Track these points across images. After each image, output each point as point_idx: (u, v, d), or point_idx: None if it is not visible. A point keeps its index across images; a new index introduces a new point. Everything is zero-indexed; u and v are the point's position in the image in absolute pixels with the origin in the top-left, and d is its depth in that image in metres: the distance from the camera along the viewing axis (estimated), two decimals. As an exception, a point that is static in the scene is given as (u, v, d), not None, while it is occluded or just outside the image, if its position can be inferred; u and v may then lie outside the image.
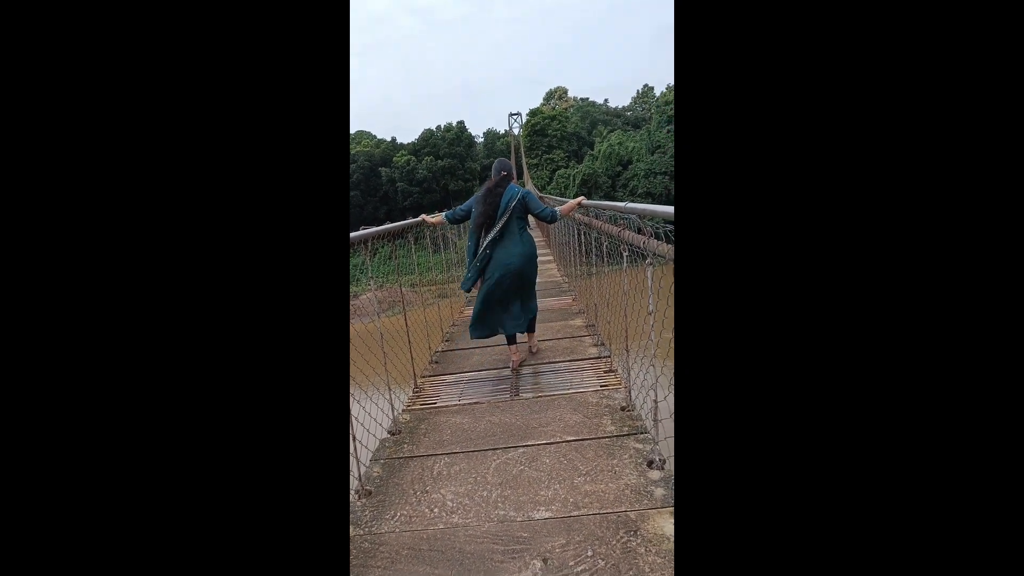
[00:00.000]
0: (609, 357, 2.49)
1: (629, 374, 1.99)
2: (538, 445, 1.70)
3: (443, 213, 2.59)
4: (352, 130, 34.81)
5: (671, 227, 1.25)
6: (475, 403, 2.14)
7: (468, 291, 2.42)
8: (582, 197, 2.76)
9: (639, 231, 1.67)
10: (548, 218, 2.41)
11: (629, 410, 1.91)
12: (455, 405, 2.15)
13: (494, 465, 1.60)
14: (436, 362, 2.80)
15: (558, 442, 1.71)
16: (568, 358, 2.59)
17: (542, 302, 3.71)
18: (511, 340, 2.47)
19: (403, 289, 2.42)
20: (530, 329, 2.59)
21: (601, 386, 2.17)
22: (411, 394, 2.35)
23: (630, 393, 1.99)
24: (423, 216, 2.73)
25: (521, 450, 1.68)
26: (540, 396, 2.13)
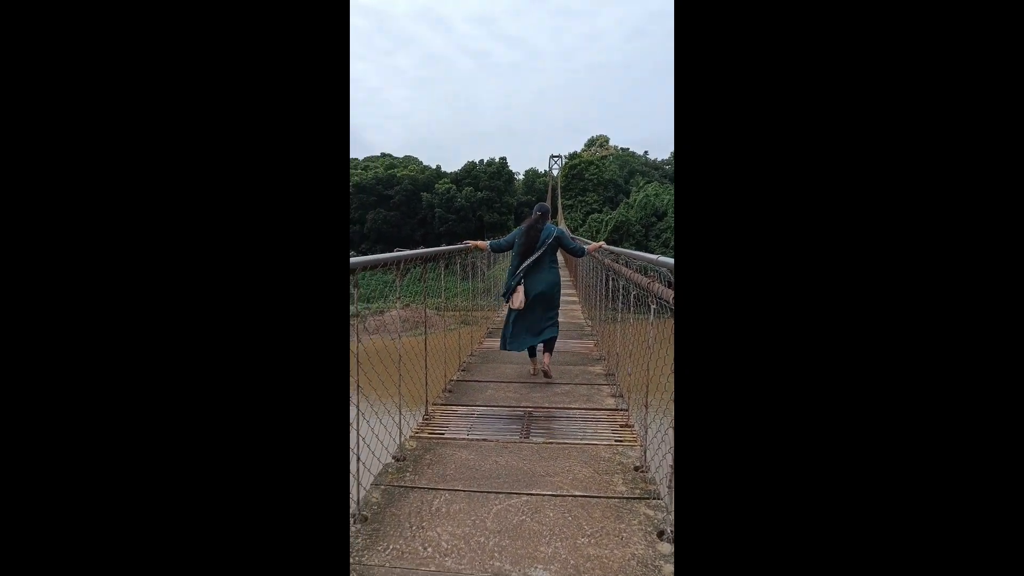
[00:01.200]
0: (627, 411, 2.40)
1: (646, 432, 1.90)
2: (543, 496, 1.62)
3: (488, 241, 3.10)
4: (400, 155, 36.59)
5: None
6: (483, 440, 2.08)
7: (507, 300, 2.86)
8: (603, 242, 3.42)
9: (669, 284, 1.64)
10: (578, 252, 2.99)
11: (643, 471, 1.81)
12: (463, 439, 2.10)
13: (495, 510, 1.53)
14: (450, 391, 2.77)
15: (564, 495, 1.62)
16: (584, 406, 2.51)
17: (564, 343, 3.73)
18: (532, 353, 2.92)
19: (427, 312, 2.44)
20: (548, 350, 2.90)
21: (616, 441, 2.08)
22: (421, 421, 2.31)
23: (645, 453, 1.89)
24: (467, 242, 3.08)
25: (525, 498, 1.60)
26: (551, 443, 2.06)
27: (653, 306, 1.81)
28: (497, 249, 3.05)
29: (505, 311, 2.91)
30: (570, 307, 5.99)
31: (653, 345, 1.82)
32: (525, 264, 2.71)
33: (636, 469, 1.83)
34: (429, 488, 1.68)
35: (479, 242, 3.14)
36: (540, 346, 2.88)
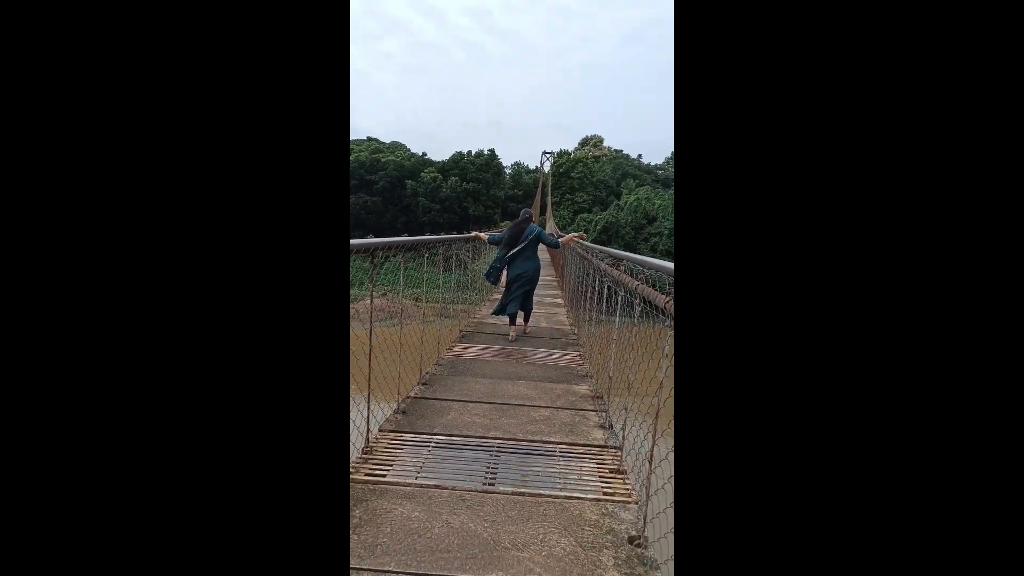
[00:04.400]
0: (619, 448, 1.96)
1: (648, 486, 1.46)
2: (507, 587, 1.16)
3: (486, 235, 4.12)
4: (388, 140, 35.63)
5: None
6: (435, 487, 1.61)
7: (494, 283, 3.92)
8: (573, 235, 4.31)
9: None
10: (554, 245, 4.16)
11: (640, 544, 1.37)
12: (409, 484, 1.62)
13: (436, 615, 1.06)
14: (403, 412, 2.28)
15: (537, 587, 1.17)
16: (566, 439, 2.06)
17: (546, 352, 3.60)
18: (512, 320, 3.87)
19: (402, 303, 1.95)
20: (526, 320, 4.06)
21: (605, 494, 1.63)
22: (360, 453, 1.82)
23: (644, 516, 1.45)
24: (475, 232, 4.22)
25: (481, 592, 1.14)
26: (521, 494, 1.60)
27: (668, 320, 1.37)
28: (492, 242, 4.04)
29: (487, 306, 3.92)
30: (554, 310, 5.55)
31: (666, 367, 1.37)
32: (511, 253, 3.68)
33: (631, 541, 1.39)
34: (353, 568, 1.19)
35: (480, 233, 4.20)
36: (520, 318, 3.95)
